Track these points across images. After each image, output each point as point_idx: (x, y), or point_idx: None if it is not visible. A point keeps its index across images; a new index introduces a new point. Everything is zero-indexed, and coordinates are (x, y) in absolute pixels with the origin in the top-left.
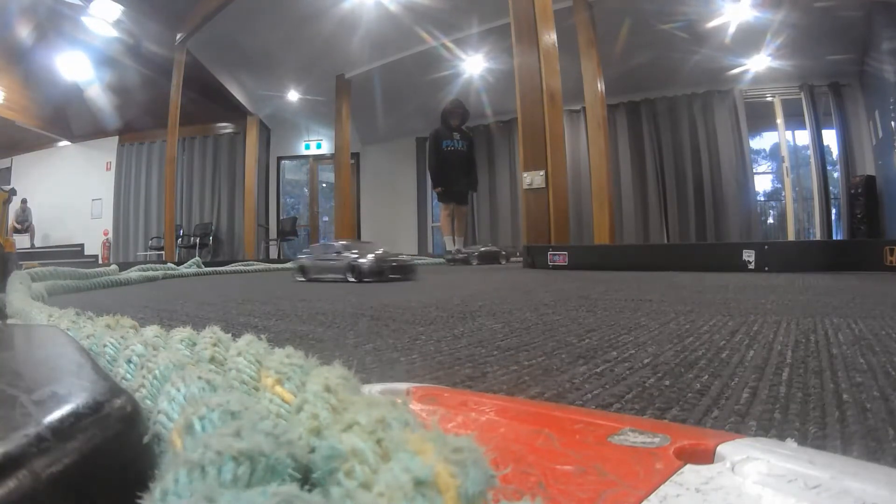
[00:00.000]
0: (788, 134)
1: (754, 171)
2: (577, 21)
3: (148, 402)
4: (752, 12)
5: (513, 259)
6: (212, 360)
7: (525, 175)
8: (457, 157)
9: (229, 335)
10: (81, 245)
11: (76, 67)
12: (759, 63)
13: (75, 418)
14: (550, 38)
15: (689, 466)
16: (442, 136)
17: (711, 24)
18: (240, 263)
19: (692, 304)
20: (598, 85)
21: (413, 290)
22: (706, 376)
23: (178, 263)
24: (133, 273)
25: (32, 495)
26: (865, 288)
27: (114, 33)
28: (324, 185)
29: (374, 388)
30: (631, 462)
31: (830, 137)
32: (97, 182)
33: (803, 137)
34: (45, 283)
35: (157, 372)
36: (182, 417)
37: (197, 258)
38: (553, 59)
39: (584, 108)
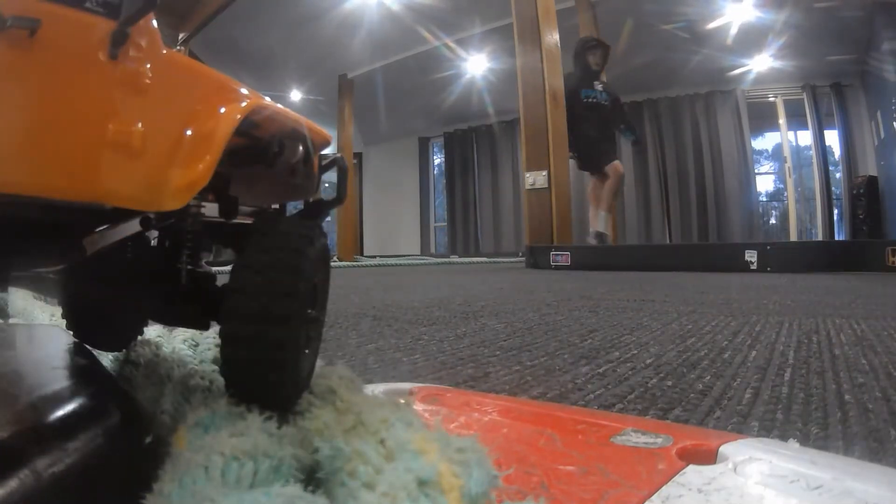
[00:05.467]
0: (791, 134)
1: (756, 171)
2: (580, 21)
3: (150, 403)
4: (753, 13)
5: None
6: (215, 360)
7: (528, 175)
8: (600, 114)
9: None
10: None
11: None
12: (761, 63)
13: (77, 418)
14: (553, 37)
15: (691, 467)
16: (581, 84)
17: (713, 24)
18: None
19: (694, 304)
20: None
21: (415, 289)
22: (708, 377)
23: None
24: None
25: (34, 494)
26: (867, 288)
27: None
28: (326, 185)
29: (378, 389)
30: (633, 462)
31: (832, 138)
32: None
33: (805, 138)
34: None
35: (159, 372)
36: (185, 418)
37: None
38: (556, 59)
39: None
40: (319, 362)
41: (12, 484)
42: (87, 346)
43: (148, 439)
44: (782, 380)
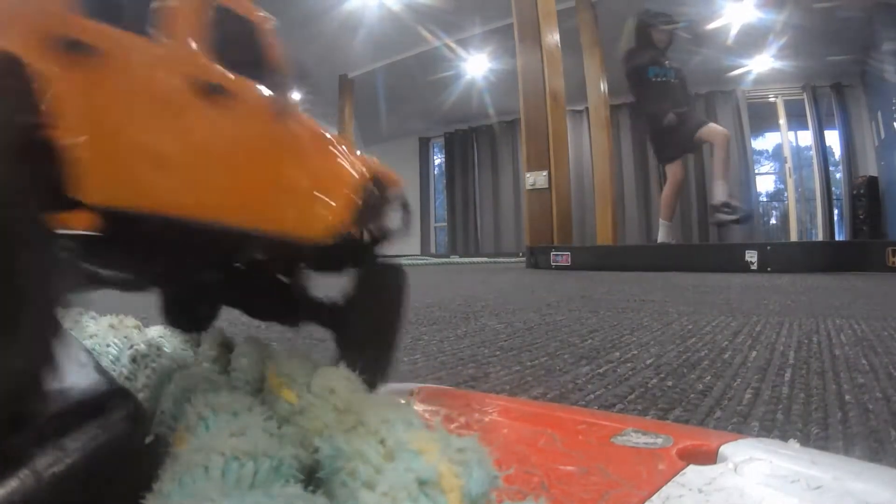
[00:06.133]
0: (791, 134)
1: (756, 171)
2: (580, 21)
3: (151, 402)
4: (754, 13)
5: None
6: (216, 360)
7: (528, 175)
8: (671, 94)
9: (233, 336)
10: None
11: None
12: (761, 64)
13: (78, 418)
14: (553, 38)
15: (691, 467)
16: (648, 61)
17: (714, 25)
18: None
19: (695, 304)
20: (601, 85)
21: (415, 289)
22: (709, 377)
23: None
24: None
25: (34, 494)
26: (868, 289)
27: None
28: None
29: (378, 389)
30: (634, 462)
31: (833, 138)
32: None
33: (806, 138)
34: None
35: (160, 372)
36: (186, 418)
37: None
38: (556, 60)
39: (587, 109)
40: (320, 363)
41: (12, 484)
42: (88, 347)
43: (148, 439)
44: (782, 380)
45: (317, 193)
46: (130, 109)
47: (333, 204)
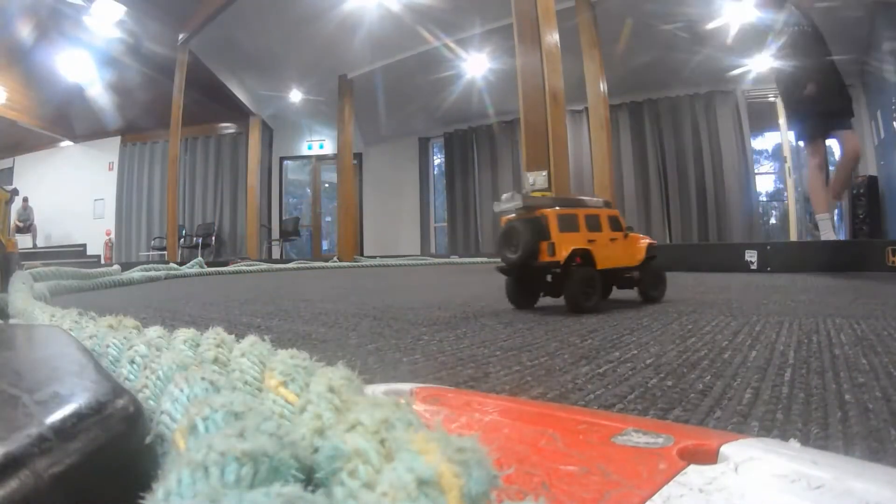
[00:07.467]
0: (791, 134)
1: (756, 171)
2: (580, 21)
3: (151, 402)
4: (754, 13)
5: None
6: (215, 361)
7: (528, 175)
8: (802, 47)
9: (232, 336)
10: (84, 245)
11: (78, 67)
12: (761, 63)
13: (77, 419)
14: (553, 38)
15: (692, 467)
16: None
17: (713, 24)
18: (242, 263)
19: (694, 304)
20: (601, 85)
21: (415, 289)
22: (709, 377)
23: (181, 264)
24: (136, 273)
25: (34, 495)
26: (867, 288)
27: (116, 33)
28: (326, 185)
29: (378, 389)
30: (634, 462)
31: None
32: (100, 182)
33: None
34: (47, 283)
35: (160, 373)
36: (185, 418)
37: (199, 258)
38: (555, 60)
39: (586, 109)
40: (319, 363)
41: (12, 484)
42: (88, 346)
43: (148, 439)
44: (782, 380)
45: (638, 248)
46: (603, 245)
47: (641, 252)
